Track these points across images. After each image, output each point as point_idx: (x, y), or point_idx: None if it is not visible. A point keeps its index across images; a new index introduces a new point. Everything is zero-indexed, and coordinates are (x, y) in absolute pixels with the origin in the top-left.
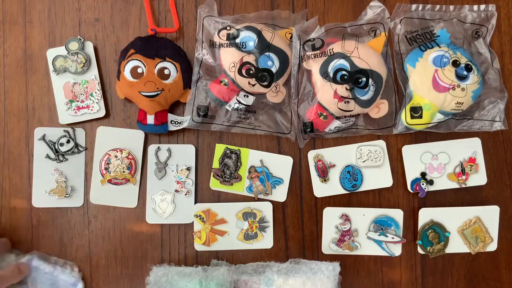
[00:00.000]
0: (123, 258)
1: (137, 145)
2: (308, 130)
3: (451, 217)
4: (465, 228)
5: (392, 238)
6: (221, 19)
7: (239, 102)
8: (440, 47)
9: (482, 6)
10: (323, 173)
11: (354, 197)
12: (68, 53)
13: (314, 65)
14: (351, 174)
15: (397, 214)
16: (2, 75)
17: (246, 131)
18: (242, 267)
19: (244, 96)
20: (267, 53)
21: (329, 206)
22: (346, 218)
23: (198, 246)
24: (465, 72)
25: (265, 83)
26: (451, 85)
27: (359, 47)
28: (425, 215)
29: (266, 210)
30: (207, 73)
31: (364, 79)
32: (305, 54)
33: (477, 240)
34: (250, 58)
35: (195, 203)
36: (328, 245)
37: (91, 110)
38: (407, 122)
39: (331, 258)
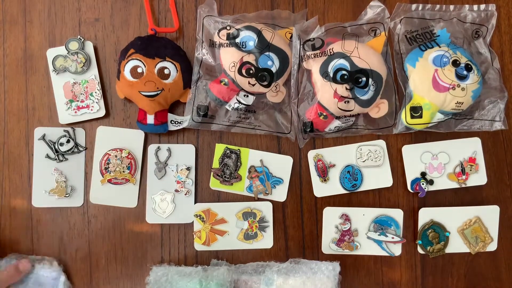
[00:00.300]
0: (123, 258)
1: (137, 145)
2: (308, 130)
3: (451, 217)
4: (465, 228)
5: (392, 238)
6: (221, 19)
7: (239, 102)
8: (440, 46)
9: (482, 6)
10: (323, 173)
11: (354, 197)
12: (68, 53)
13: (314, 65)
14: (351, 174)
15: (397, 214)
16: (2, 75)
17: (246, 131)
18: (242, 267)
19: (244, 96)
20: (267, 53)
21: (329, 206)
22: (346, 218)
23: (198, 246)
24: (465, 72)
25: (265, 83)
26: (451, 85)
27: (359, 46)
28: (425, 215)
29: (266, 210)
30: (207, 73)
31: (364, 78)
32: (305, 54)
33: (477, 240)
34: (250, 58)
35: (195, 203)
36: (328, 245)
37: (91, 110)
38: (407, 122)
39: (331, 258)
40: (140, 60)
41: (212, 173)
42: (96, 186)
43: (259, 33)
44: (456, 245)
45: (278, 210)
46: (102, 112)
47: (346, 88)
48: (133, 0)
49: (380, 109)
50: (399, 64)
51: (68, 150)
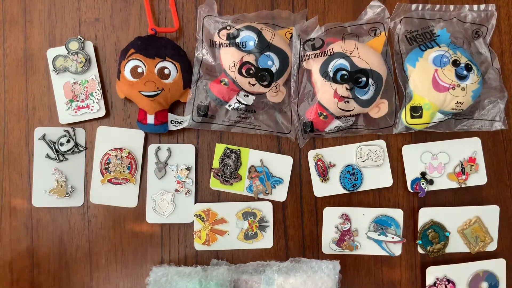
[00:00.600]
0: (123, 258)
1: (137, 145)
2: (308, 129)
3: (451, 217)
4: (465, 228)
5: (392, 237)
6: (221, 19)
7: (239, 102)
8: (440, 46)
9: (482, 6)
10: (323, 173)
11: (354, 196)
12: (68, 53)
13: (314, 65)
14: (351, 174)
15: (397, 214)
16: (2, 75)
17: (246, 131)
18: (242, 267)
19: (244, 95)
20: (267, 53)
21: (329, 205)
22: (346, 218)
23: (198, 245)
24: (465, 72)
25: (265, 83)
26: (451, 85)
27: (359, 46)
28: (425, 214)
29: (266, 209)
30: (207, 73)
31: (364, 78)
32: (305, 54)
33: (477, 240)
34: (250, 58)
35: (195, 203)
36: (328, 245)
37: (91, 109)
38: (407, 122)
39: (331, 257)
40: (140, 60)
41: (212, 173)
42: (96, 186)
43: (259, 33)
44: (456, 245)
45: (278, 210)
46: (102, 112)
47: (346, 88)
48: (133, 0)
49: (380, 109)
50: (399, 64)
51: (68, 150)
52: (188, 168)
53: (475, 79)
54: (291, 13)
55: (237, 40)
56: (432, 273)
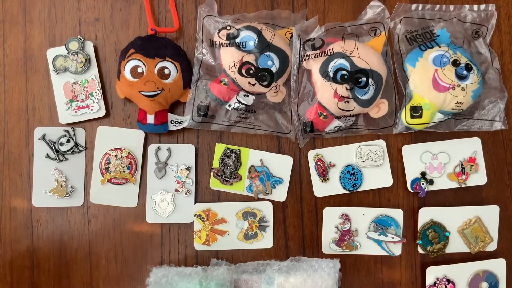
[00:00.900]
0: (123, 258)
1: (137, 145)
2: (308, 129)
3: (451, 217)
4: (465, 228)
5: (392, 237)
6: (221, 19)
7: (239, 102)
8: (440, 46)
9: (482, 6)
10: (323, 173)
11: (354, 196)
12: (68, 53)
13: (314, 65)
14: (351, 174)
15: (397, 214)
16: (2, 75)
17: (246, 131)
18: (243, 266)
19: (244, 95)
20: (267, 53)
21: (329, 205)
22: (346, 218)
23: (198, 245)
24: (465, 72)
25: (265, 83)
26: (451, 85)
27: (359, 46)
28: (425, 214)
29: (266, 209)
30: (207, 73)
31: (364, 78)
32: (305, 54)
33: (477, 240)
34: (250, 58)
35: (195, 203)
36: (328, 245)
37: (91, 109)
38: (407, 122)
39: (331, 257)
40: (140, 60)
41: (212, 173)
42: (96, 186)
43: (259, 33)
44: (456, 245)
45: (278, 210)
46: (102, 112)
47: (346, 88)
48: (133, 0)
49: (380, 109)
50: (399, 64)
51: (68, 150)
52: (188, 168)
53: (475, 79)
54: (291, 13)
55: (237, 40)
56: (432, 273)
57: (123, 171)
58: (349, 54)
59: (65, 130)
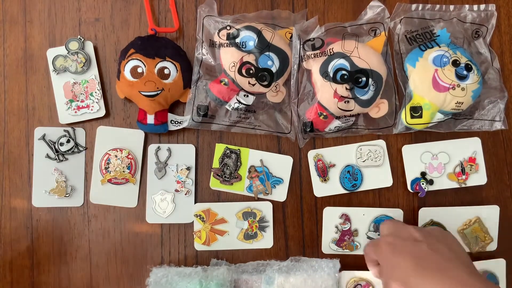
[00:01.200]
0: (123, 258)
1: (137, 145)
2: (308, 129)
3: (451, 217)
4: (465, 228)
5: None
6: (221, 19)
7: (239, 102)
8: (440, 46)
9: (482, 6)
10: (323, 173)
11: (354, 196)
12: (68, 53)
13: (314, 65)
14: (351, 174)
15: (397, 214)
16: (2, 75)
17: (246, 131)
18: (242, 266)
19: (244, 95)
20: (267, 53)
21: (329, 205)
22: (346, 218)
23: (198, 245)
24: (465, 72)
25: (265, 83)
26: (451, 85)
27: (359, 46)
28: (425, 214)
29: (266, 209)
30: (207, 73)
31: (364, 78)
32: (305, 54)
33: (477, 240)
34: (250, 58)
35: (195, 203)
36: (328, 245)
37: (91, 109)
38: (407, 122)
39: (331, 257)
40: (140, 60)
41: (212, 173)
42: (96, 186)
43: (259, 33)
44: None
45: (278, 210)
46: (102, 112)
47: (346, 88)
48: (133, 0)
49: (380, 109)
50: (399, 64)
51: (68, 150)
52: (188, 168)
53: (475, 79)
54: (291, 13)
55: (237, 40)
56: None
57: (123, 171)
58: (349, 54)
59: (65, 130)
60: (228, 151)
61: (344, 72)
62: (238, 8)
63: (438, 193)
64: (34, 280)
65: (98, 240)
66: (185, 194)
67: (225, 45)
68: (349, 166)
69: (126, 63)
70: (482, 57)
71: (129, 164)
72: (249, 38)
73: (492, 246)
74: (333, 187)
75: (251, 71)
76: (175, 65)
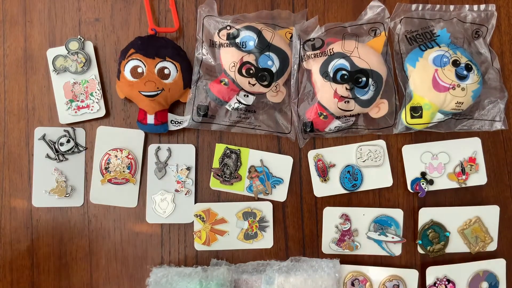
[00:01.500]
0: (123, 258)
1: (137, 145)
2: (308, 129)
3: (451, 217)
4: (465, 228)
5: (392, 237)
6: (221, 19)
7: (239, 102)
8: (440, 46)
9: (482, 6)
10: (323, 173)
11: (354, 196)
12: (68, 53)
13: (314, 65)
14: (351, 174)
15: (397, 214)
16: (2, 75)
17: (246, 131)
18: (243, 266)
19: (244, 95)
20: (267, 53)
21: (329, 205)
22: (346, 218)
23: (198, 245)
24: (465, 72)
25: (265, 83)
26: (451, 85)
27: (359, 46)
28: (425, 214)
29: (266, 209)
30: (207, 73)
31: (364, 78)
32: (305, 54)
33: (477, 240)
34: (250, 58)
35: (195, 203)
36: (328, 245)
37: (91, 109)
38: (407, 122)
39: (331, 257)
40: (140, 60)
41: (212, 173)
42: (96, 186)
43: (259, 33)
44: (456, 245)
45: (278, 210)
46: (102, 112)
47: (346, 88)
48: (133, 0)
49: (380, 109)
50: (399, 64)
51: (68, 150)
52: (188, 168)
53: (475, 79)
54: (291, 13)
55: (237, 40)
56: (432, 273)
57: (123, 171)
58: (349, 54)
59: (65, 130)
60: (228, 151)
61: (344, 72)
62: (238, 8)
63: (438, 193)
64: (34, 280)
65: (98, 240)
66: (185, 194)
67: (225, 45)
68: (349, 166)
69: (126, 63)
70: (482, 57)
71: (129, 164)
72: (249, 38)
73: (492, 246)
74: (333, 187)
75: (251, 71)
76: (175, 65)
